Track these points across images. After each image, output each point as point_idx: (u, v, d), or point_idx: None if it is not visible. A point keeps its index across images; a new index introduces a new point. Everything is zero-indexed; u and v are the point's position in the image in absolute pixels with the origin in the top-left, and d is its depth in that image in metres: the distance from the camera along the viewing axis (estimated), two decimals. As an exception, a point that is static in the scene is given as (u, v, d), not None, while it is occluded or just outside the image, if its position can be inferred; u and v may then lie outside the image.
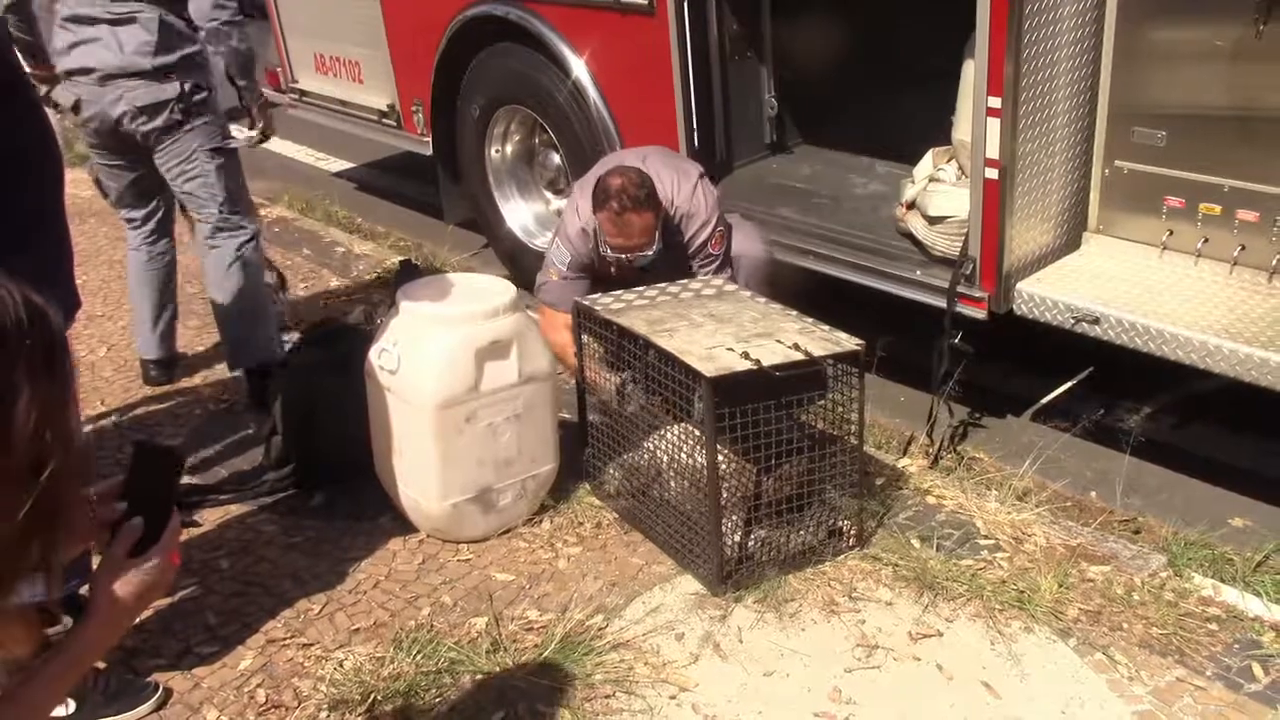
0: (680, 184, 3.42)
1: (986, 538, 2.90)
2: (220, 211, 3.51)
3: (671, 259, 3.39)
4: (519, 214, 4.93)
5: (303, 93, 6.01)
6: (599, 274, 3.48)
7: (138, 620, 2.58)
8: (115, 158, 3.52)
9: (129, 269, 3.80)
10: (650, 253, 3.30)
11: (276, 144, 7.69)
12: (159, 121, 3.31)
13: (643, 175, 3.27)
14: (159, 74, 3.27)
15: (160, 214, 3.74)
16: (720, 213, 3.47)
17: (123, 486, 1.27)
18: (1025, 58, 2.97)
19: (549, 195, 4.88)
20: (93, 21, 3.26)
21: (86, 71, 3.28)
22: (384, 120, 5.42)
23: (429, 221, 5.78)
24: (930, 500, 3.09)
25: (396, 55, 5.15)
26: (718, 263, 3.46)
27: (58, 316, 1.07)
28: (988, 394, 3.77)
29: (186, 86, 3.31)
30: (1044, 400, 3.61)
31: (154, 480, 1.28)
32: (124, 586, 1.22)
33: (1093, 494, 3.31)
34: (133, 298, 3.84)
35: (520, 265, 4.87)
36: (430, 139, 5.12)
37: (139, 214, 3.70)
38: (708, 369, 2.50)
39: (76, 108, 3.36)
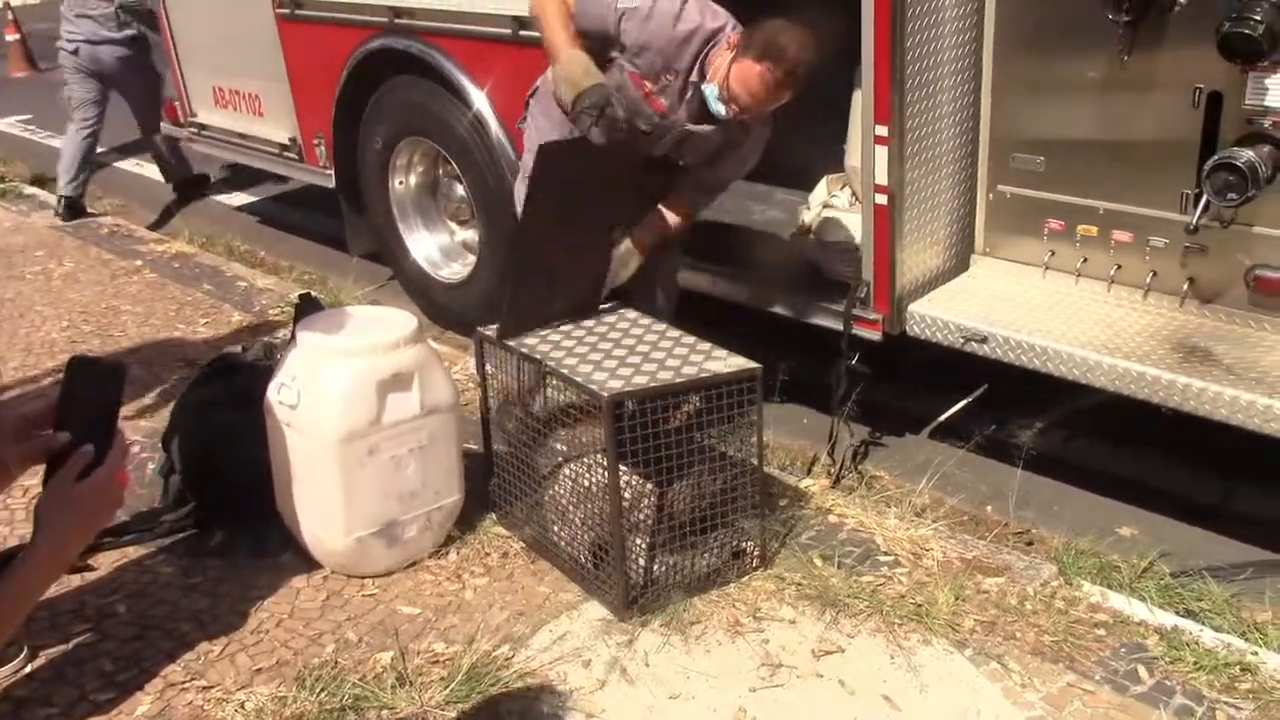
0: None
1: (886, 554, 2.98)
2: None
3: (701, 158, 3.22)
4: (424, 245, 4.91)
5: (202, 126, 5.94)
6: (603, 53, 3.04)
7: (31, 665, 2.52)
8: None
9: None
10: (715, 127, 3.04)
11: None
12: None
13: (813, 43, 2.85)
14: None
15: None
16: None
17: (59, 407, 1.20)
18: (909, 87, 3.08)
19: (453, 226, 4.88)
20: None
21: None
22: (285, 153, 5.38)
23: (333, 254, 5.74)
24: (832, 519, 3.15)
25: (297, 89, 5.13)
26: (725, 184, 3.31)
27: None
28: (887, 413, 3.87)
29: None
30: (941, 418, 3.72)
31: (94, 398, 1.21)
32: (70, 511, 1.17)
33: (989, 508, 3.42)
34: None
35: (427, 296, 4.86)
36: (333, 172, 5.10)
37: None
38: (606, 390, 2.53)
39: None
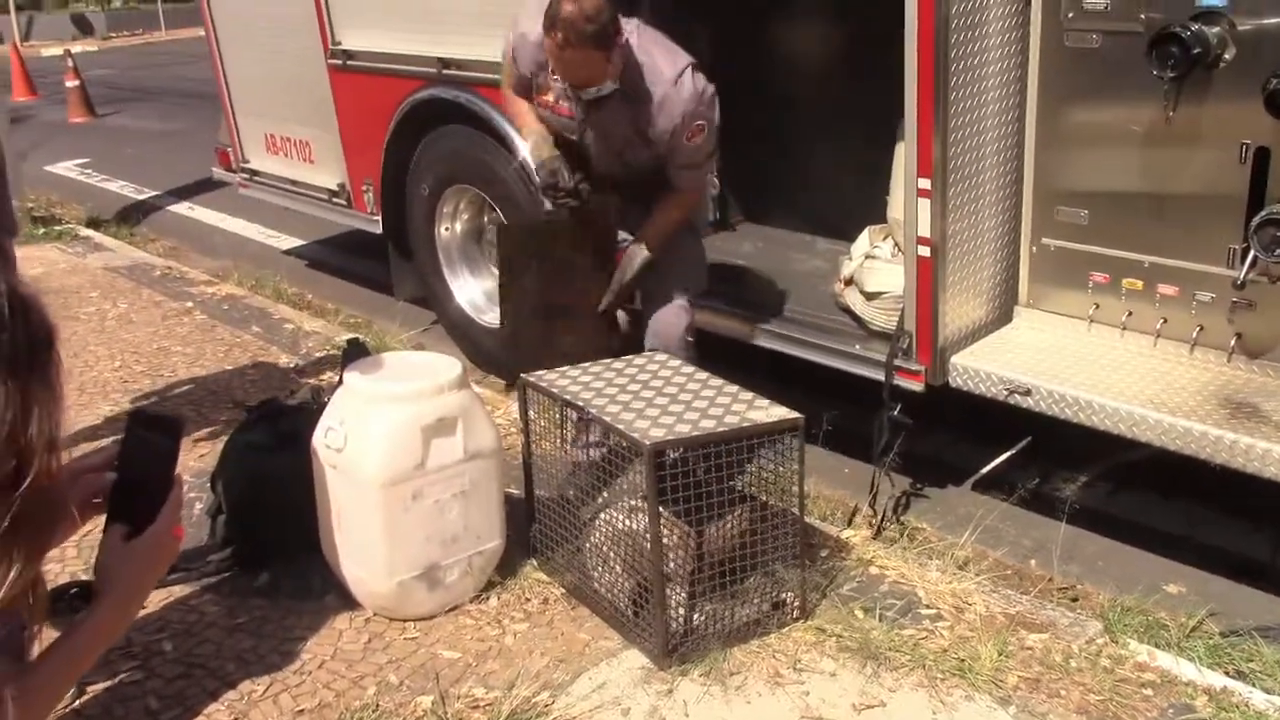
0: (665, 59, 3.19)
1: (928, 607, 2.95)
2: None
3: (645, 151, 3.30)
4: (468, 290, 4.98)
5: (253, 172, 6.08)
6: (535, 92, 3.37)
7: (79, 701, 2.56)
8: None
9: None
10: (599, 90, 3.11)
11: (226, 221, 7.80)
12: None
13: (599, 6, 2.97)
14: None
15: None
16: (708, 106, 3.23)
17: (120, 457, 1.22)
18: (952, 140, 3.10)
19: (497, 272, 4.94)
20: None
21: None
22: (334, 199, 5.49)
23: (379, 298, 5.83)
24: (874, 571, 3.13)
25: (347, 136, 5.24)
26: (695, 162, 3.30)
27: (47, 312, 1.02)
28: (931, 464, 3.85)
29: None
30: (984, 470, 3.70)
31: (152, 450, 1.23)
32: (129, 567, 1.22)
33: (1032, 562, 3.38)
34: None
35: (470, 341, 4.92)
36: (380, 217, 5.19)
37: None
38: (649, 438, 2.55)
39: None
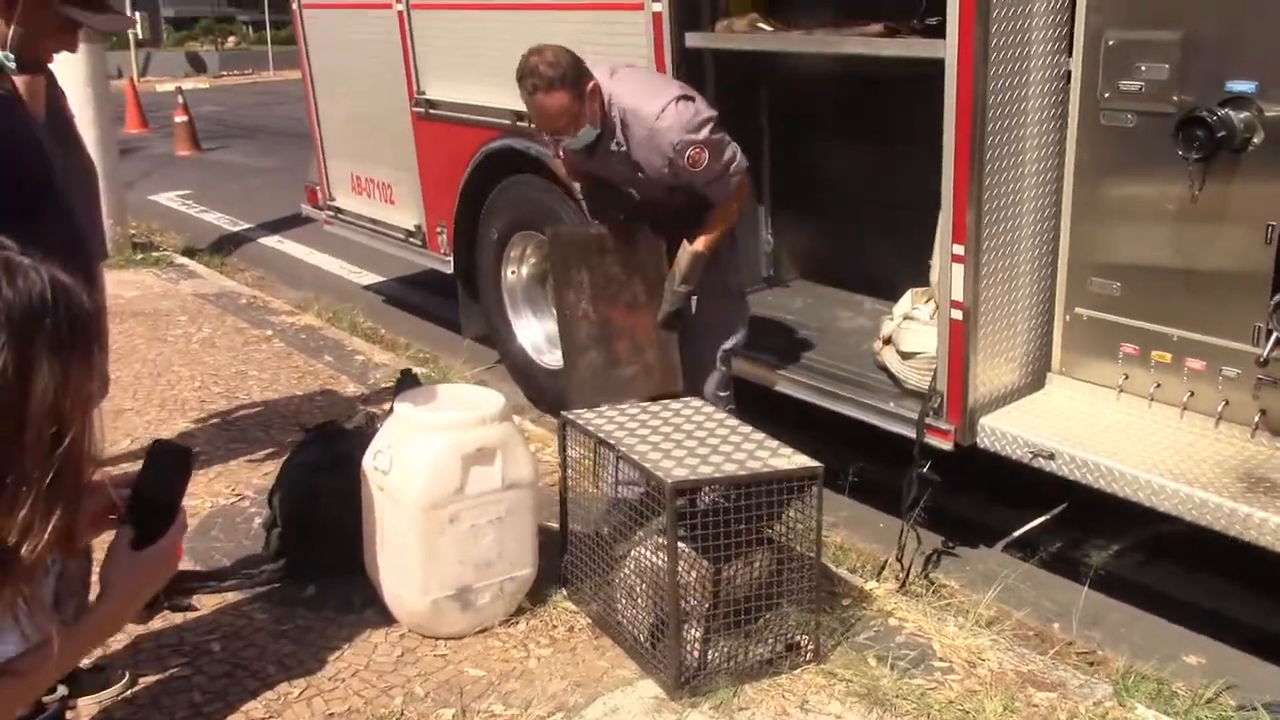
0: (647, 99, 3.33)
1: (941, 660, 3.02)
2: None
3: (656, 186, 3.46)
4: (531, 332, 5.19)
5: (339, 210, 6.40)
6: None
7: (130, 691, 2.76)
8: None
9: None
10: (578, 136, 3.28)
11: (312, 255, 8.16)
12: None
13: (560, 54, 3.21)
14: None
15: None
16: (700, 130, 3.30)
17: (138, 481, 1.41)
18: (987, 210, 3.22)
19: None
20: None
21: None
22: (411, 239, 5.77)
23: (448, 335, 6.07)
24: (892, 622, 3.21)
25: (425, 180, 5.52)
26: (714, 177, 3.39)
27: (86, 293, 1.19)
28: (966, 525, 3.92)
29: None
30: (1016, 533, 3.75)
31: (166, 477, 1.41)
32: (131, 578, 1.37)
33: (1055, 625, 3.42)
34: None
35: (530, 380, 5.12)
36: (452, 258, 5.44)
37: None
38: (671, 477, 2.69)
39: None
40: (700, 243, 3.49)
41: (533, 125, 3.39)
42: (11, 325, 1.12)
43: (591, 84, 3.27)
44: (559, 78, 3.18)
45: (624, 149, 3.38)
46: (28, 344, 1.13)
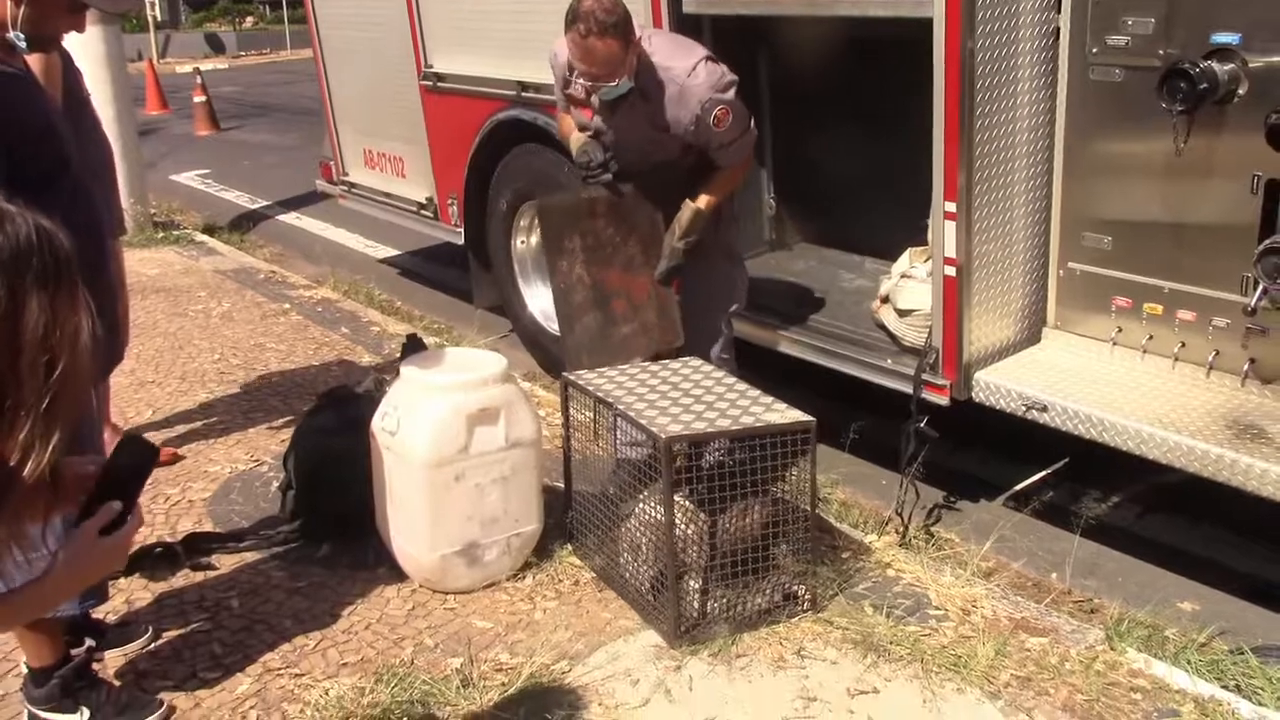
0: (677, 56, 3.39)
1: (937, 608, 3.10)
2: None
3: (673, 144, 3.48)
4: (541, 301, 5.26)
5: (352, 185, 6.49)
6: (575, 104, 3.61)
7: (154, 644, 2.89)
8: None
9: None
10: (616, 85, 3.30)
11: (328, 230, 8.27)
12: None
13: (617, 2, 3.23)
14: None
15: None
16: (727, 90, 3.38)
17: (105, 470, 1.54)
18: (978, 166, 3.26)
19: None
20: None
21: None
22: (423, 211, 5.86)
23: (462, 306, 6.17)
24: (890, 573, 3.29)
25: (435, 153, 5.60)
26: (731, 139, 3.44)
27: (65, 239, 1.31)
28: (966, 480, 3.99)
29: None
30: (1018, 487, 3.81)
31: (131, 469, 1.55)
32: (85, 558, 1.47)
33: (1054, 575, 3.49)
34: None
35: (541, 348, 5.20)
36: (463, 229, 5.53)
37: None
38: (666, 432, 2.78)
39: None
40: (703, 200, 3.52)
41: (576, 68, 3.33)
42: (3, 266, 1.22)
43: (636, 37, 3.32)
44: (613, 24, 3.18)
45: (646, 104, 3.41)
46: (19, 282, 1.24)
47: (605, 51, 3.22)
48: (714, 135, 3.42)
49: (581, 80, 3.37)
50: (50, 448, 1.29)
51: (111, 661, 2.87)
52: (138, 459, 1.56)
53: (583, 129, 3.65)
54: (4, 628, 1.55)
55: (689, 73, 3.35)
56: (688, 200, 3.53)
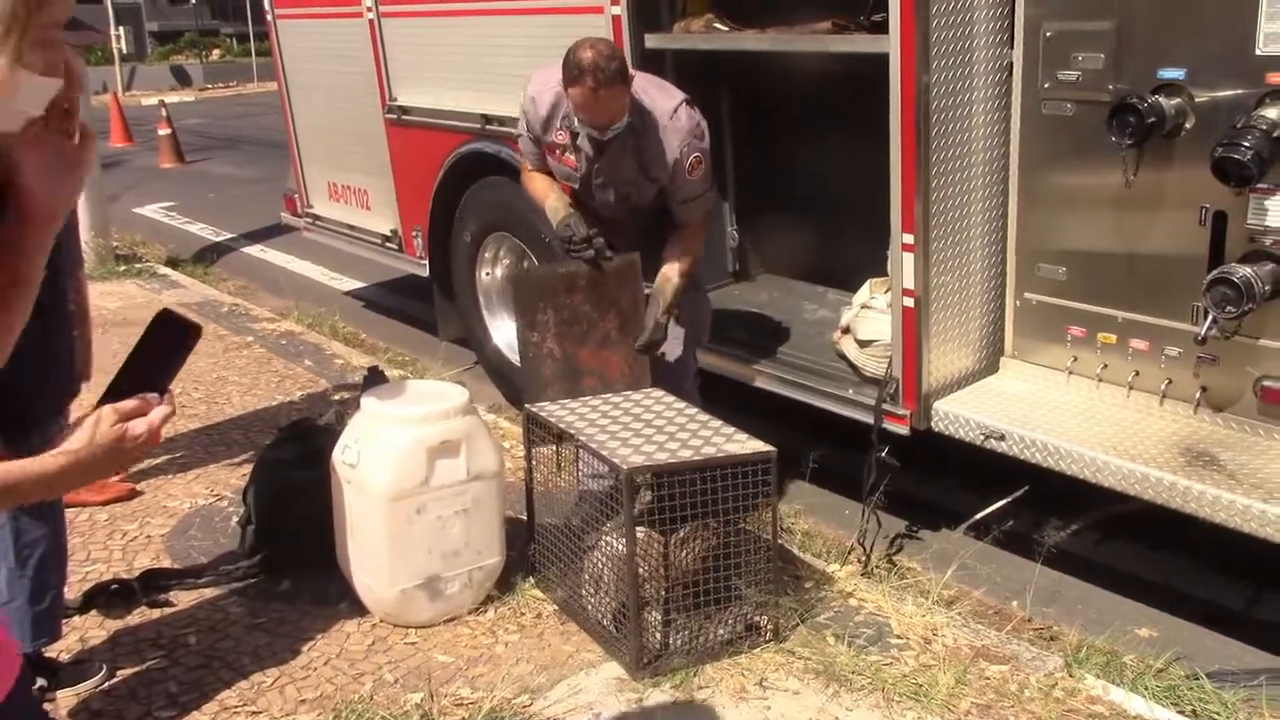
0: (660, 96, 3.41)
1: (898, 637, 3.11)
2: None
3: (649, 189, 3.50)
4: (505, 332, 5.26)
5: (317, 217, 6.48)
6: (545, 151, 3.58)
7: (109, 683, 2.84)
8: None
9: None
10: (618, 126, 3.31)
11: (293, 263, 8.24)
12: None
13: (613, 46, 3.27)
14: None
15: None
16: (702, 138, 3.43)
17: (135, 350, 1.32)
18: (935, 199, 3.31)
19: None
20: None
21: None
22: (387, 244, 5.85)
23: (427, 338, 6.16)
24: (852, 602, 3.30)
25: (400, 185, 5.61)
26: (697, 194, 3.49)
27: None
28: (928, 509, 4.01)
29: None
30: (978, 516, 3.84)
31: (166, 348, 1.34)
32: (101, 444, 1.25)
33: (1014, 603, 3.51)
34: None
35: (507, 381, 5.20)
36: (428, 262, 5.53)
37: None
38: (627, 464, 2.78)
39: None
40: (679, 271, 3.52)
41: (580, 115, 3.33)
42: None
43: (632, 74, 3.33)
44: (617, 70, 3.19)
45: (635, 142, 3.42)
46: None
47: (613, 99, 3.24)
48: (685, 184, 3.46)
49: (586, 129, 3.34)
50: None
51: (64, 701, 2.83)
52: (174, 336, 1.37)
53: (566, 179, 3.64)
54: None
55: (671, 114, 3.39)
56: (666, 274, 3.53)
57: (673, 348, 3.67)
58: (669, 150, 3.40)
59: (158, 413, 1.33)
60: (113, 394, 1.33)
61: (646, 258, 3.66)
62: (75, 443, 1.27)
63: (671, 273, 3.53)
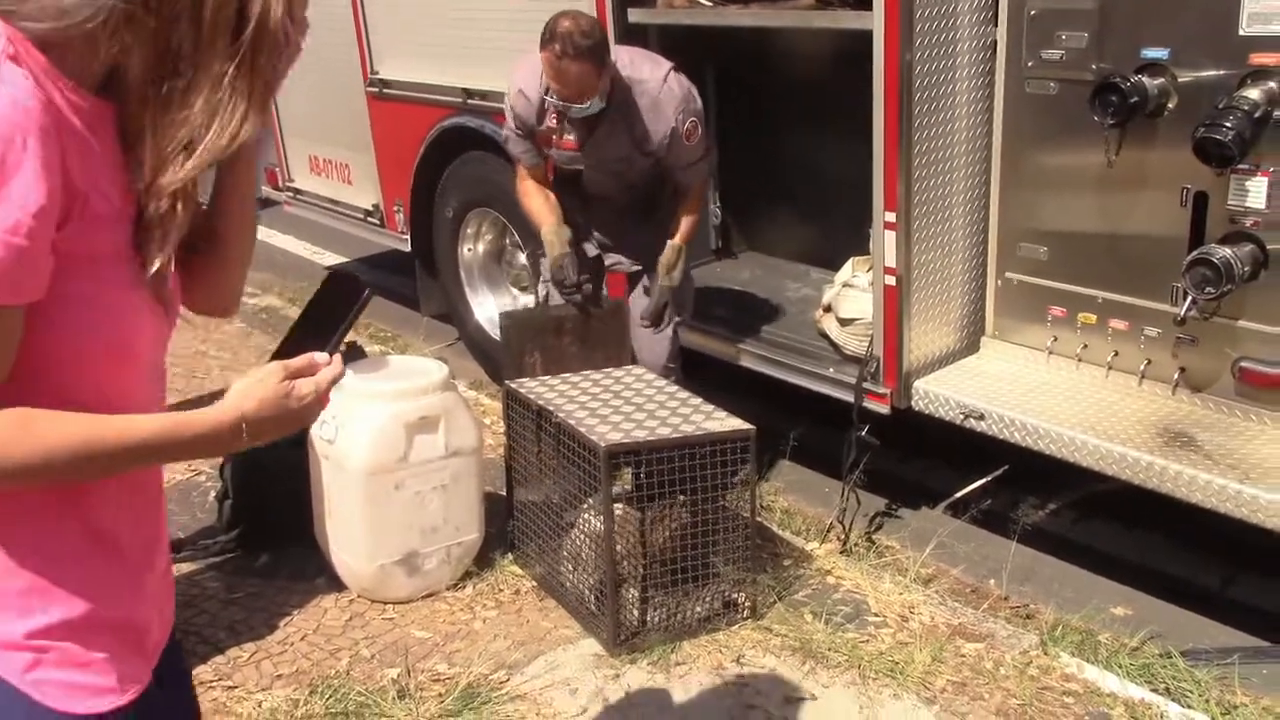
0: (646, 68, 3.40)
1: (875, 615, 3.13)
2: None
3: (645, 162, 3.48)
4: (488, 308, 5.24)
5: (297, 191, 6.42)
6: (541, 141, 3.53)
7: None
8: None
9: None
10: (587, 105, 3.28)
11: (274, 237, 8.17)
12: None
13: (593, 24, 3.24)
14: None
15: None
16: (695, 101, 3.45)
17: (304, 313, 1.28)
18: (917, 177, 3.30)
19: (515, 291, 5.21)
20: None
21: None
22: (369, 218, 5.81)
23: (409, 314, 6.12)
24: (830, 580, 3.32)
25: (381, 160, 5.56)
26: (697, 158, 3.50)
27: None
28: (910, 488, 4.02)
29: None
30: (957, 495, 3.85)
31: (337, 307, 1.31)
32: (268, 405, 1.17)
33: (991, 582, 3.53)
34: None
35: (488, 356, 5.18)
36: (409, 236, 5.49)
37: None
38: (605, 441, 2.77)
39: None
40: (680, 236, 3.57)
41: (550, 87, 3.29)
42: None
43: (611, 61, 3.31)
44: (589, 48, 3.16)
45: (625, 120, 3.40)
46: None
47: (579, 74, 3.20)
48: (685, 150, 3.45)
49: (553, 98, 3.31)
50: (241, 117, 1.05)
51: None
52: (344, 296, 1.34)
53: (570, 164, 3.59)
54: (152, 459, 1.15)
55: (661, 84, 3.38)
56: (671, 244, 3.55)
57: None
58: (665, 120, 3.39)
59: (326, 373, 1.25)
60: (280, 356, 1.27)
61: (640, 233, 3.64)
62: (240, 398, 1.18)
63: (672, 240, 3.56)
